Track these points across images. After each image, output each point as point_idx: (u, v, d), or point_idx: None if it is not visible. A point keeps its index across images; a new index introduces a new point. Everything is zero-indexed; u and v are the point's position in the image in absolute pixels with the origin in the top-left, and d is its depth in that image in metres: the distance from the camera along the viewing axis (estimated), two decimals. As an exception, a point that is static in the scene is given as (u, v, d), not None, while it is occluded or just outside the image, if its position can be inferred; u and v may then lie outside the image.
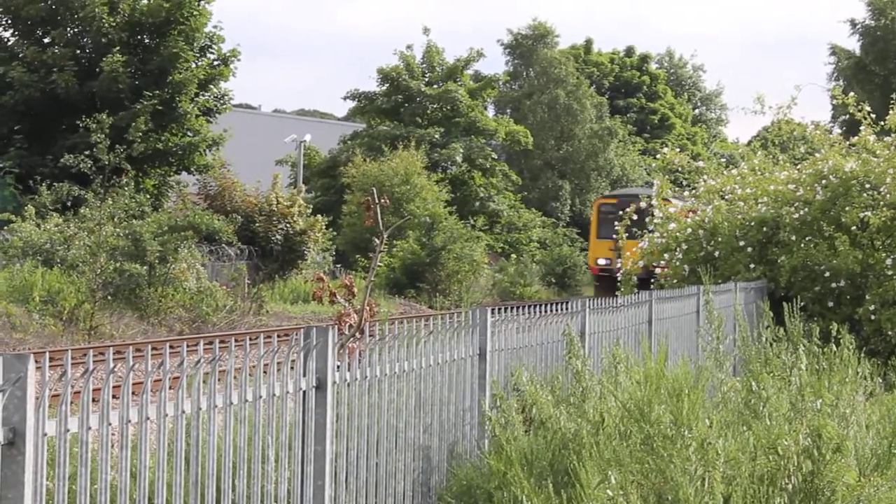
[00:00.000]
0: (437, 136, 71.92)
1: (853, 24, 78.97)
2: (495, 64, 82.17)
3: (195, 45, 55.11)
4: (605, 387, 11.60)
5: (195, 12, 54.33)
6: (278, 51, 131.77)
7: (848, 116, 26.95)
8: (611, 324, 14.78)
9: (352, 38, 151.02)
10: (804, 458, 10.76)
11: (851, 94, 27.02)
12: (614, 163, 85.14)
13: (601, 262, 54.43)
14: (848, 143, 25.78)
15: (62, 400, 6.20)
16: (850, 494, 10.67)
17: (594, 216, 56.67)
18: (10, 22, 54.22)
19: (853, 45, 79.56)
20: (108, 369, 6.59)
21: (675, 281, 24.46)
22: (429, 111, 74.70)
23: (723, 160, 27.72)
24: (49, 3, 53.38)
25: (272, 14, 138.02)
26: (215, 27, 56.41)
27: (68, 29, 53.60)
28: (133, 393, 6.72)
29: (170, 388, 7.03)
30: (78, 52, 53.40)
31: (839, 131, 27.33)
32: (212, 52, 56.47)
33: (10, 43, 54.28)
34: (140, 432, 6.77)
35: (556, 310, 13.67)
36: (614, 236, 48.64)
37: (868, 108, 25.76)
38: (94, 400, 6.53)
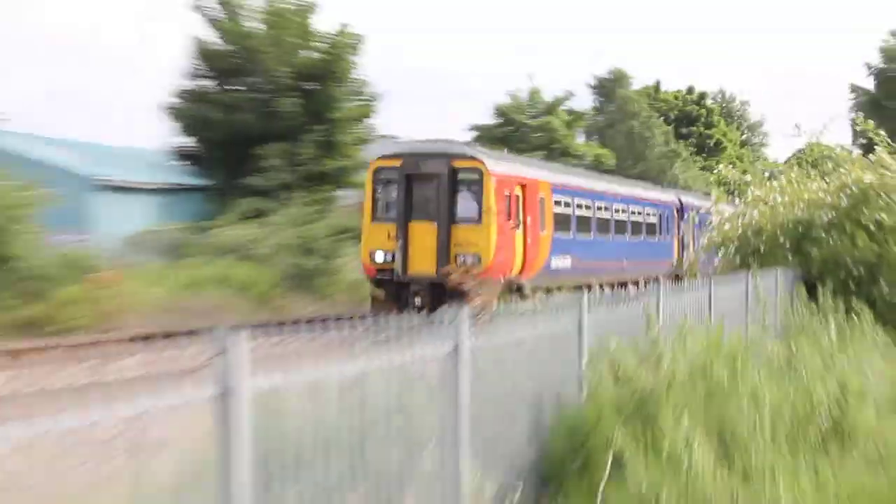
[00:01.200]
0: (539, 158, 71.77)
1: (868, 67, 78.93)
2: (584, 100, 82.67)
3: (348, 89, 55.55)
4: (676, 351, 11.65)
5: (348, 64, 54.80)
6: (410, 92, 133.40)
7: (866, 140, 26.76)
8: (680, 303, 14.75)
9: (465, 86, 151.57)
10: (833, 404, 10.79)
11: (870, 121, 26.87)
12: (679, 178, 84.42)
13: (379, 257, 29.37)
14: (866, 160, 25.57)
15: (265, 362, 6.35)
16: (870, 432, 10.68)
17: (368, 186, 30.93)
18: (212, 75, 55.00)
19: (869, 83, 79.24)
20: (300, 339, 6.79)
21: (732, 267, 24.38)
22: (532, 139, 74.54)
23: (766, 174, 27.47)
24: (237, 59, 54.05)
25: (402, 62, 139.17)
26: (364, 77, 56.98)
27: (252, 78, 54.22)
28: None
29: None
30: (260, 96, 53.97)
31: (858, 152, 27.09)
32: (361, 96, 56.85)
33: (210, 91, 55.00)
34: (324, 387, 6.90)
35: (638, 293, 13.67)
36: (395, 218, 29.45)
37: (883, 133, 25.61)
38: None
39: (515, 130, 74.66)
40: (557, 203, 33.93)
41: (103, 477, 5.09)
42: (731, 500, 8.01)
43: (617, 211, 39.15)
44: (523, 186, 31.38)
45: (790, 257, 23.83)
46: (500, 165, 31.09)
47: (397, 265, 28.93)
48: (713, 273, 24.11)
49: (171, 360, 23.79)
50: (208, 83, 55.29)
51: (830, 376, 11.55)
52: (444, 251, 28.81)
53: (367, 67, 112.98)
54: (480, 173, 29.56)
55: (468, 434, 8.56)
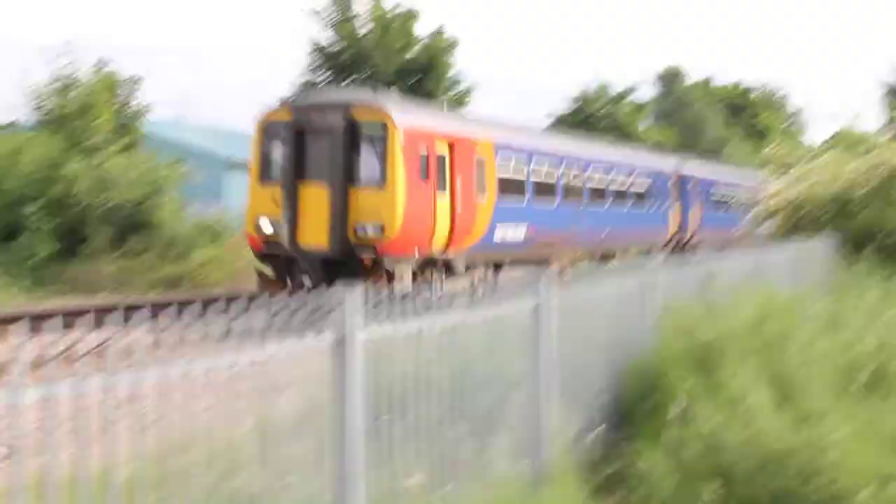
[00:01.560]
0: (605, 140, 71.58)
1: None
2: (645, 91, 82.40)
3: (445, 83, 55.81)
4: (735, 306, 11.37)
5: (445, 62, 55.18)
6: (495, 89, 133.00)
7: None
8: (737, 265, 14.43)
9: (535, 78, 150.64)
10: (874, 356, 10.49)
11: (897, 110, 26.37)
12: (730, 158, 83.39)
13: (266, 227, 21.99)
14: (894, 144, 25.08)
15: (374, 314, 6.23)
16: (908, 381, 10.37)
17: (256, 144, 23.02)
18: (326, 70, 55.57)
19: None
20: (400, 295, 6.61)
21: (778, 235, 24.08)
22: (602, 125, 74.24)
23: (808, 155, 27.18)
24: (348, 56, 54.56)
25: (490, 65, 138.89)
26: (458, 72, 57.26)
27: (362, 73, 54.59)
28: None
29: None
30: (369, 88, 54.26)
31: (889, 136, 26.64)
32: (456, 88, 56.99)
33: (324, 84, 55.55)
34: (420, 339, 6.74)
35: (697, 259, 13.38)
36: (284, 181, 21.97)
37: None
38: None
39: (587, 117, 74.58)
40: (504, 165, 26.14)
41: (233, 416, 4.96)
42: (786, 442, 7.75)
43: (592, 176, 31.32)
44: (451, 145, 23.63)
45: (829, 227, 23.46)
46: (412, 118, 23.02)
47: (284, 236, 21.57)
48: (764, 240, 23.77)
49: (288, 314, 23.71)
50: (323, 77, 55.78)
51: (870, 331, 11.22)
52: (340, 220, 21.33)
53: (462, 64, 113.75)
54: (385, 126, 21.76)
55: (552, 379, 8.39)
